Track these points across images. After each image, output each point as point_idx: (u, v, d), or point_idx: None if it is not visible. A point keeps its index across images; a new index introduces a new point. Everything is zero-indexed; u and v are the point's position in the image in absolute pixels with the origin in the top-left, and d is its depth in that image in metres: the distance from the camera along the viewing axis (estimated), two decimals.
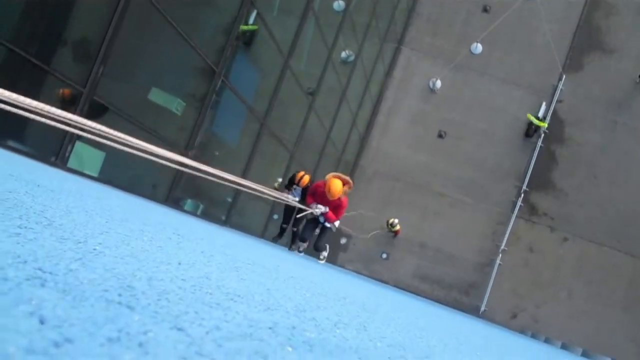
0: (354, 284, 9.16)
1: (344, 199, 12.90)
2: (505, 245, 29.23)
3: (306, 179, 14.41)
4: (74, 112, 9.42)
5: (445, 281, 29.55)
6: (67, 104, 9.72)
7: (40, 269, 1.38)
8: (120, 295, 1.42)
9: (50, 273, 1.38)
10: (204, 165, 9.15)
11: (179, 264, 2.47)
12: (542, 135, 29.75)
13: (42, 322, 0.97)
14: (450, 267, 29.53)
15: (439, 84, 30.73)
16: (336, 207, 12.93)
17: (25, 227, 1.95)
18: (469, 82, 30.65)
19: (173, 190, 14.09)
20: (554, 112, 30.03)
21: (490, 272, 29.27)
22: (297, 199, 14.12)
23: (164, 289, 1.75)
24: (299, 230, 14.81)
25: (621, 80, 29.93)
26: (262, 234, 20.80)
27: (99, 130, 5.97)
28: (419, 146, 30.38)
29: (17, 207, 2.36)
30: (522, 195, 29.48)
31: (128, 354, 0.97)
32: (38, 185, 3.79)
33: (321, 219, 13.15)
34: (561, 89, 30.04)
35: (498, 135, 30.22)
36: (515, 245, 29.44)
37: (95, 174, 11.21)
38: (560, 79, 30.14)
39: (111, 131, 6.21)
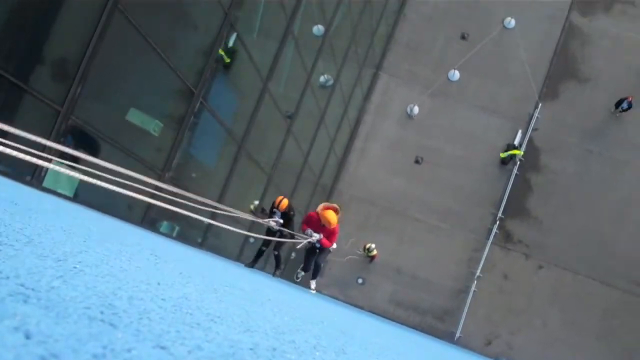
0: (331, 309, 9.14)
1: (336, 227, 14.10)
2: (480, 272, 29.31)
3: (285, 202, 14.49)
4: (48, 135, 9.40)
5: (420, 307, 29.54)
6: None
7: (22, 285, 1.37)
8: (102, 312, 1.41)
9: (33, 289, 1.37)
10: (181, 191, 9.13)
11: (158, 284, 2.45)
12: (518, 163, 29.97)
13: (27, 337, 0.96)
14: (426, 292, 29.54)
15: (416, 109, 30.92)
16: (330, 233, 14.14)
17: (5, 244, 1.93)
18: (447, 109, 30.88)
19: (149, 212, 14.01)
20: (530, 140, 30.30)
21: (465, 299, 29.31)
22: (280, 220, 14.41)
23: (144, 308, 1.74)
24: (280, 254, 15.52)
25: (596, 109, 30.30)
26: (237, 257, 20.71)
27: (73, 154, 5.94)
28: (396, 171, 30.48)
29: None
30: (498, 222, 29.63)
31: None
32: (15, 204, 3.76)
33: (317, 245, 14.30)
34: (537, 117, 30.34)
35: (474, 162, 30.41)
36: (490, 272, 29.53)
37: (70, 194, 11.12)
38: (536, 107, 30.45)
39: (86, 156, 6.18)
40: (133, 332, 1.34)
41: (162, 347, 1.30)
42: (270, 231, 14.99)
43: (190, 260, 5.97)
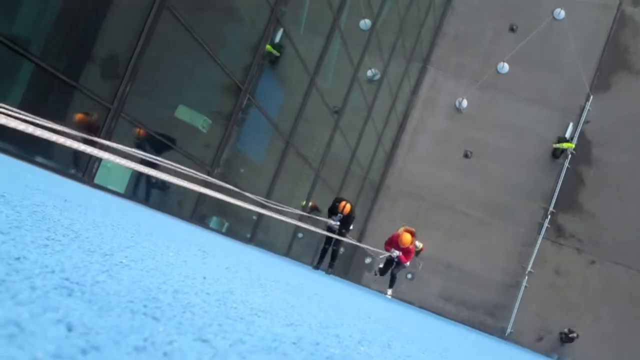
0: (378, 304, 9.12)
1: (412, 247, 17.54)
2: (531, 267, 28.96)
3: (348, 207, 16.22)
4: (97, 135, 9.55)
5: (470, 302, 29.32)
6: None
7: (67, 279, 1.40)
8: (145, 306, 1.43)
9: (77, 283, 1.40)
10: (232, 187, 9.18)
11: (204, 278, 2.48)
12: (569, 156, 29.52)
13: (69, 329, 0.98)
14: (476, 287, 29.30)
15: (465, 103, 30.67)
16: (406, 252, 17.48)
17: (53, 239, 1.97)
18: (496, 102, 30.55)
19: (198, 208, 14.15)
20: (581, 133, 29.81)
21: (516, 294, 29.00)
22: (337, 223, 16.30)
23: (188, 301, 1.76)
24: (338, 250, 17.66)
25: None
26: (286, 252, 20.81)
27: (124, 150, 6.01)
28: (444, 165, 30.27)
29: (45, 220, 2.38)
30: (549, 216, 29.23)
31: None
32: (65, 200, 3.83)
33: (395, 260, 17.65)
34: (588, 110, 29.84)
35: (524, 156, 30.03)
36: (541, 267, 29.15)
37: (121, 190, 11.29)
38: (587, 99, 29.94)
39: (136, 152, 6.26)
40: (175, 325, 1.36)
41: (204, 340, 1.32)
42: (330, 230, 16.63)
43: (238, 255, 6.02)
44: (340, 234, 16.58)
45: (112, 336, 1.04)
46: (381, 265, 18.79)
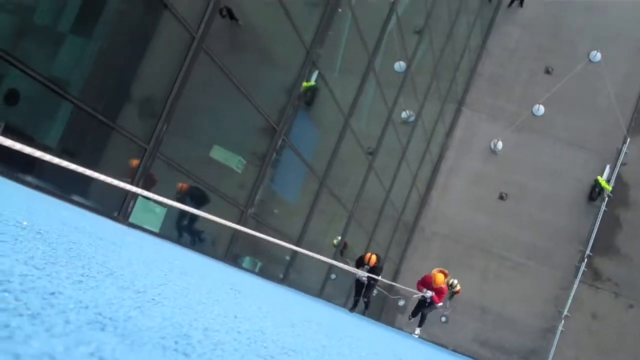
0: (412, 346, 9.03)
1: (444, 287, 17.62)
2: (567, 311, 28.51)
3: (374, 258, 16.41)
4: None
5: (506, 347, 28.88)
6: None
7: (100, 314, 1.42)
8: (176, 342, 1.45)
9: (111, 319, 1.42)
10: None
11: (235, 317, 2.49)
12: (606, 198, 29.19)
13: None
14: (512, 331, 28.88)
15: (500, 145, 30.56)
16: (439, 292, 17.49)
17: (87, 276, 2.00)
18: (531, 144, 30.40)
19: (232, 247, 14.19)
20: (618, 175, 29.50)
21: (552, 339, 28.52)
22: (365, 275, 16.56)
23: (219, 339, 1.77)
24: (369, 301, 17.86)
25: None
26: (319, 293, 20.73)
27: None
28: (479, 207, 30.09)
29: (80, 257, 2.42)
30: (586, 259, 28.83)
31: None
32: (101, 238, 3.88)
33: (428, 300, 17.63)
34: (625, 152, 29.56)
35: (561, 198, 29.76)
36: (578, 311, 28.68)
37: (156, 230, 11.38)
38: (624, 142, 29.68)
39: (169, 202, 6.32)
40: None
41: None
42: (360, 282, 17.16)
43: (270, 295, 6.02)
44: (369, 285, 17.10)
45: None
46: (415, 304, 18.87)
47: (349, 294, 23.46)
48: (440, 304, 18.32)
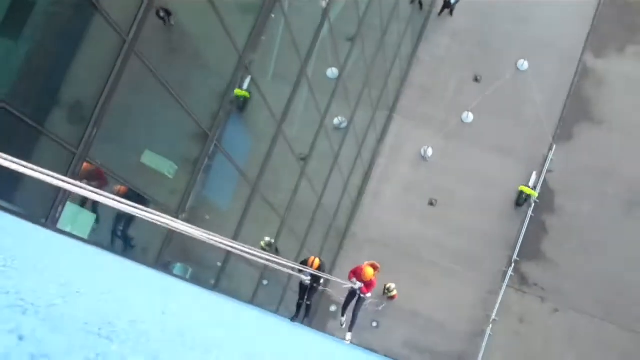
0: (344, 352, 9.08)
1: (374, 279, 17.82)
2: (495, 315, 29.06)
3: (317, 262, 16.97)
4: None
5: (436, 351, 29.25)
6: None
7: (22, 300, 1.41)
8: (100, 329, 1.44)
9: (32, 304, 1.41)
10: (198, 229, 9.15)
11: (163, 313, 2.49)
12: (533, 204, 29.88)
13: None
14: (441, 336, 29.27)
15: (430, 151, 31.01)
16: (368, 284, 17.80)
17: (10, 267, 1.98)
18: (461, 151, 30.92)
19: (162, 254, 14.05)
20: (545, 182, 30.23)
21: (480, 343, 29.03)
22: (308, 278, 17.21)
23: (145, 329, 1.77)
24: (311, 305, 18.41)
25: (611, 151, 30.23)
26: (251, 299, 20.67)
27: (91, 191, 6.00)
28: (410, 213, 30.45)
29: (2, 251, 2.39)
30: (513, 264, 29.44)
31: None
32: (26, 238, 3.82)
33: (358, 291, 17.89)
34: (551, 159, 30.32)
35: (489, 204, 30.33)
36: (505, 315, 29.27)
37: (84, 236, 11.19)
38: (550, 149, 30.44)
39: (102, 193, 6.24)
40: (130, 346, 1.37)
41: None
42: (303, 286, 17.84)
43: (200, 297, 5.99)
44: (312, 288, 17.79)
45: (64, 348, 1.06)
46: (342, 298, 19.25)
47: (280, 300, 23.52)
48: (369, 294, 18.47)
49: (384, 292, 29.00)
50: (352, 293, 18.37)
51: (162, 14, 11.06)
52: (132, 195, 12.17)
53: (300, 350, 4.59)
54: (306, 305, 18.11)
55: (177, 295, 4.50)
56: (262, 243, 20.05)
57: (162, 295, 3.69)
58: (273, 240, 20.69)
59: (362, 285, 17.75)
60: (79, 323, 1.42)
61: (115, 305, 2.10)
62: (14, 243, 3.03)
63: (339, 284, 18.96)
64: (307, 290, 17.86)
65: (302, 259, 17.47)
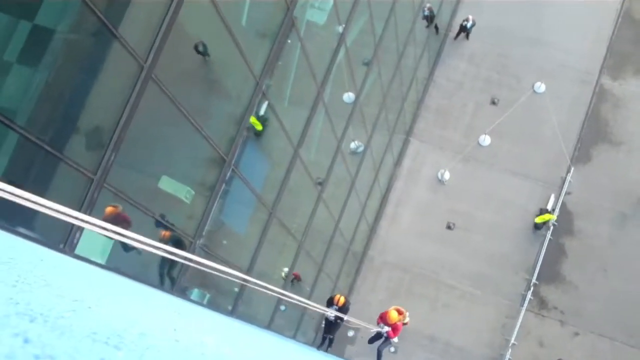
0: None
1: (399, 324, 19.03)
2: (514, 340, 28.82)
3: (342, 300, 18.46)
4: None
5: None
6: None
7: (31, 310, 1.44)
8: (108, 338, 1.47)
9: (41, 314, 1.44)
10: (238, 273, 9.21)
11: (175, 330, 2.51)
12: (552, 227, 29.72)
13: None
14: None
15: (447, 175, 30.97)
16: (394, 329, 19.02)
17: (23, 282, 2.02)
18: (478, 174, 30.88)
19: (180, 279, 14.07)
20: (563, 204, 30.10)
21: None
22: (333, 314, 18.55)
23: (154, 343, 1.80)
24: (334, 339, 20.49)
25: (630, 172, 30.09)
26: (268, 325, 20.63)
27: (106, 227, 6.03)
28: (427, 237, 30.37)
29: (17, 269, 2.43)
30: (532, 288, 29.24)
31: None
32: (41, 260, 3.87)
33: (384, 334, 19.24)
34: (570, 181, 30.20)
35: (507, 227, 30.22)
36: (525, 339, 29.02)
37: (102, 261, 11.24)
38: (568, 171, 30.34)
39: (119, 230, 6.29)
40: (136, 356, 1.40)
41: None
42: (328, 321, 19.49)
43: (214, 320, 6.01)
44: (336, 325, 19.50)
45: (69, 352, 1.09)
46: (373, 333, 20.20)
47: (298, 326, 23.47)
48: (395, 339, 20.10)
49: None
50: (379, 334, 19.73)
51: (200, 47, 11.26)
52: (174, 238, 13.14)
53: None
54: (329, 339, 20.23)
55: (191, 316, 4.52)
56: (283, 274, 20.98)
57: (175, 315, 3.72)
58: (287, 269, 21.04)
59: (390, 329, 19.10)
60: (86, 332, 1.45)
61: (126, 320, 2.13)
62: (30, 263, 3.08)
63: (365, 325, 20.07)
64: (331, 325, 19.59)
65: (325, 290, 18.17)
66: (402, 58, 26.50)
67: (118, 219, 10.88)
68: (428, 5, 28.17)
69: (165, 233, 12.75)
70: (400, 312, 19.28)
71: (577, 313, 29.02)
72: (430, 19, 29.25)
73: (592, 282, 29.12)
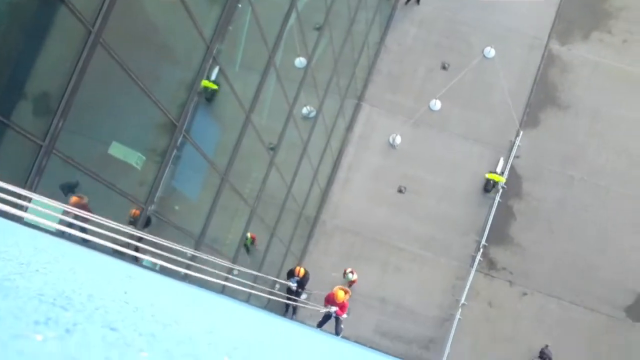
0: (315, 339, 9.15)
1: (346, 302, 20.97)
2: (464, 300, 29.36)
3: (302, 271, 22.07)
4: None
5: (405, 336, 29.51)
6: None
7: None
8: (54, 299, 1.49)
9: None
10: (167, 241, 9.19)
11: (125, 292, 2.53)
12: (501, 190, 30.19)
13: None
14: (411, 322, 29.53)
15: (398, 139, 31.16)
16: (341, 307, 20.89)
17: None
18: (429, 138, 31.15)
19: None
20: (512, 168, 30.58)
21: (450, 327, 29.32)
22: (295, 284, 21.93)
23: (103, 304, 1.82)
24: (296, 308, 23.52)
25: (577, 136, 30.65)
26: (222, 290, 20.67)
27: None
28: (379, 201, 30.61)
29: None
30: (481, 249, 29.75)
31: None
32: None
33: (333, 314, 21.11)
34: (518, 145, 30.65)
35: (457, 191, 30.62)
36: (474, 299, 29.59)
37: (51, 228, 11.11)
38: (517, 135, 30.77)
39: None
40: (85, 316, 1.42)
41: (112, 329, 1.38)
42: (290, 291, 22.32)
43: (165, 283, 6.02)
44: (297, 293, 22.16)
45: (13, 312, 1.11)
46: (322, 313, 21.97)
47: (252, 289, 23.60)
48: (345, 315, 21.48)
49: (343, 277, 29.17)
50: (326, 316, 21.66)
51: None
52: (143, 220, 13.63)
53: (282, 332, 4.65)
54: (292, 307, 22.84)
55: (142, 280, 4.53)
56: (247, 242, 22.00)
57: (126, 279, 3.73)
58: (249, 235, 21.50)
59: (337, 308, 20.76)
60: (33, 293, 1.47)
61: (74, 282, 2.14)
62: None
63: (319, 295, 22.89)
64: (293, 294, 22.03)
65: (277, 255, 18.70)
66: (354, 23, 26.46)
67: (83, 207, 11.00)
68: None
69: (135, 211, 13.32)
70: (346, 292, 21.01)
71: (525, 274, 29.66)
72: None
73: (540, 243, 29.75)
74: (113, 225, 7.37)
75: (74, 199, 10.93)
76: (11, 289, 1.42)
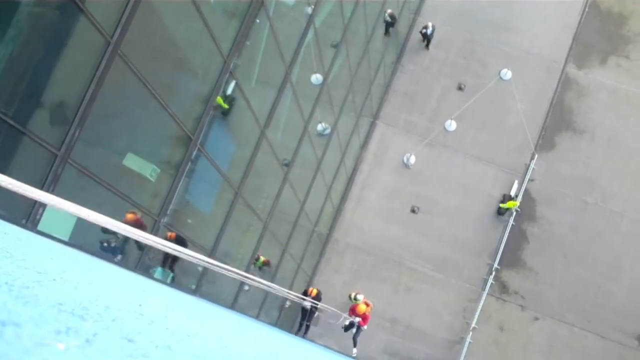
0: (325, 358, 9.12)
1: (367, 314, 22.83)
2: (475, 323, 29.17)
3: (314, 291, 22.85)
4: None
5: (415, 358, 29.32)
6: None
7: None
8: (73, 309, 1.47)
9: (6, 283, 1.44)
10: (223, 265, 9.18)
11: (140, 305, 2.51)
12: (514, 213, 30.05)
13: None
14: (421, 343, 29.35)
15: (413, 159, 31.13)
16: (364, 318, 22.81)
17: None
18: (443, 159, 31.09)
19: (143, 258, 14.01)
20: (526, 191, 30.45)
21: (460, 350, 29.12)
22: (309, 304, 22.16)
23: (119, 316, 1.80)
24: (310, 325, 24.38)
25: (592, 161, 30.52)
26: (232, 305, 20.64)
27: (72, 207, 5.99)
28: (392, 220, 30.53)
29: None
30: (494, 272, 29.59)
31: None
32: (5, 233, 3.82)
33: (356, 324, 22.88)
34: (533, 168, 30.54)
35: (470, 212, 30.50)
36: (486, 323, 29.40)
37: (65, 238, 11.14)
38: (532, 158, 30.67)
39: (83, 210, 6.24)
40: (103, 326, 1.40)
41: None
42: (305, 310, 23.32)
43: (177, 297, 6.00)
44: (311, 312, 23.37)
45: (34, 320, 1.09)
46: (346, 323, 23.73)
47: (261, 306, 23.57)
48: (365, 327, 23.30)
49: (351, 301, 28.99)
50: (351, 324, 23.22)
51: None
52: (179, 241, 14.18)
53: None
54: (306, 325, 23.62)
55: (156, 293, 4.52)
56: (258, 263, 22.16)
57: (140, 292, 3.71)
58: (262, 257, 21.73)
59: (360, 319, 22.70)
60: (52, 302, 1.45)
61: (92, 293, 2.13)
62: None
63: (338, 315, 23.29)
64: (307, 313, 23.22)
65: (289, 271, 18.81)
66: (371, 41, 26.50)
67: (136, 225, 11.19)
68: (389, 11, 27.89)
69: (171, 235, 14.19)
70: (367, 304, 22.73)
71: (537, 298, 29.46)
72: (390, 25, 28.75)
73: (553, 268, 29.57)
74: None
75: (129, 216, 11.23)
76: (31, 297, 1.40)
